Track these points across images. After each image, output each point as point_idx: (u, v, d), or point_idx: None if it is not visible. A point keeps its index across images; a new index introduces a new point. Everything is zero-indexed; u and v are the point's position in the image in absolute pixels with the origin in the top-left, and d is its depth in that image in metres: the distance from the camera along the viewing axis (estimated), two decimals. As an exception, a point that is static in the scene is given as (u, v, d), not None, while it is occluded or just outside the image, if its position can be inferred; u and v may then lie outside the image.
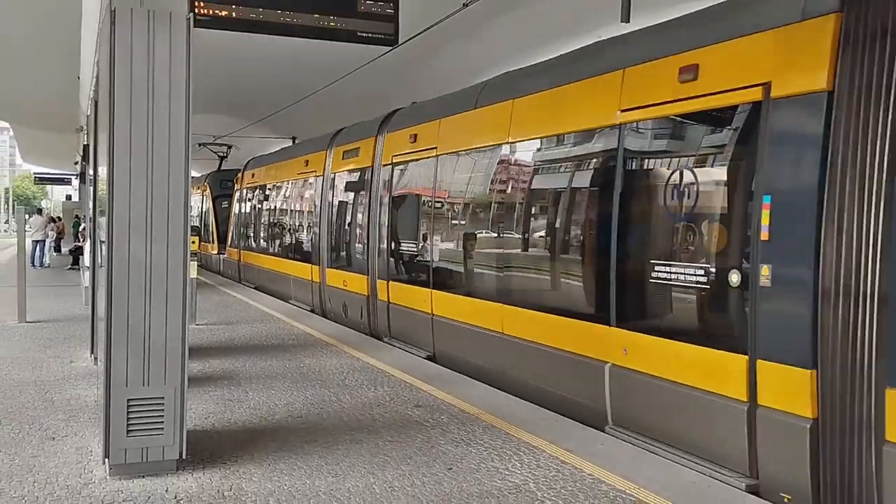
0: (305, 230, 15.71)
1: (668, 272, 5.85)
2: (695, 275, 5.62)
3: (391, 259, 11.10)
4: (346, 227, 13.26)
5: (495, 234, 8.52)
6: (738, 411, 5.16)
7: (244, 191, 21.47)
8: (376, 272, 11.51)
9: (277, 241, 18.08)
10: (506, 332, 7.95)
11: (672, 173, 5.95)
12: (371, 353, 9.66)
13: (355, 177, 12.88)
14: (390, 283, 10.96)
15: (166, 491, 4.82)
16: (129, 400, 5.00)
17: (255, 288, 18.76)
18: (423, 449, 5.76)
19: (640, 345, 6.07)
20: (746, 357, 5.13)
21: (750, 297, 5.12)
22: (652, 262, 6.02)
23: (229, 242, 22.57)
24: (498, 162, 8.53)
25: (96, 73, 11.50)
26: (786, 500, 4.90)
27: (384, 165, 11.50)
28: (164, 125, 5.04)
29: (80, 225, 25.83)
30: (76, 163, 33.19)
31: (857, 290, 4.51)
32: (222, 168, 26.84)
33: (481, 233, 8.94)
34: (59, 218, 31.42)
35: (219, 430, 6.20)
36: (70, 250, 25.55)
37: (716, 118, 5.75)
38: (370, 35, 7.12)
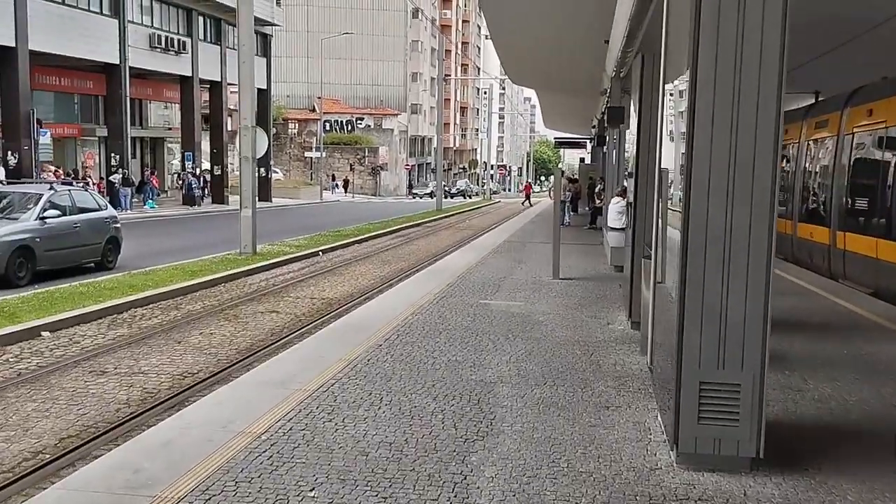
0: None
1: None
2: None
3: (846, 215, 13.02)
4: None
5: None
6: None
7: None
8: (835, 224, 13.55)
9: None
10: None
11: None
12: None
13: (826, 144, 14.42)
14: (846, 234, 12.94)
15: (744, 494, 4.20)
16: (701, 383, 4.47)
17: None
18: None
19: None
20: None
21: None
22: None
23: None
24: None
25: (626, 33, 11.39)
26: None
27: (846, 134, 13.24)
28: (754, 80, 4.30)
29: (595, 187, 26.80)
30: (593, 126, 34.76)
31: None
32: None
33: None
34: (576, 179, 33.12)
35: (786, 425, 5.40)
36: (588, 209, 26.80)
37: None
38: None
